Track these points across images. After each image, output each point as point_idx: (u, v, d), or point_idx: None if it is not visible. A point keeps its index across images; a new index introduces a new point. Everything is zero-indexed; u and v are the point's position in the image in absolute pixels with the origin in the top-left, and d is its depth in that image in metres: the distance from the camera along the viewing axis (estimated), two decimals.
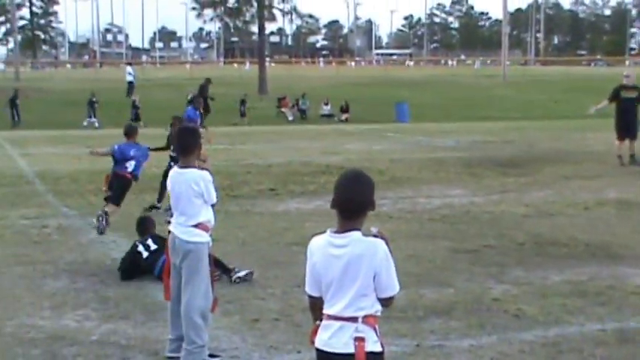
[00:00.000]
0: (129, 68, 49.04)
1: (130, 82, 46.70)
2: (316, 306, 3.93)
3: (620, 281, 8.49)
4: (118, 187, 11.62)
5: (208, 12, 58.67)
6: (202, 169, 6.29)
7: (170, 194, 6.24)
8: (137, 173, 11.76)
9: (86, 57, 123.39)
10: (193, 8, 60.62)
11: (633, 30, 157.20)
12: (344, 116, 40.81)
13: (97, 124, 36.29)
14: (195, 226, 6.05)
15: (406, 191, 15.29)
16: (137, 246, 8.92)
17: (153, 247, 8.74)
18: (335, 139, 28.12)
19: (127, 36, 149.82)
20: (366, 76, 64.70)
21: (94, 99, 38.11)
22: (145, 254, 8.73)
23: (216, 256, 8.45)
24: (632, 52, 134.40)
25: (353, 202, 3.78)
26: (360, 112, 41.21)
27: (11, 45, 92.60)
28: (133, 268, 8.80)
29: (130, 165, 11.62)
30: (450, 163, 19.69)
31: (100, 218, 11.12)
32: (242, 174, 17.60)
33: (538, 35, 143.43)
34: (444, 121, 38.34)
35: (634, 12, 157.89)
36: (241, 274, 8.54)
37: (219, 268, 8.47)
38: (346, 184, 3.83)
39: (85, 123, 36.34)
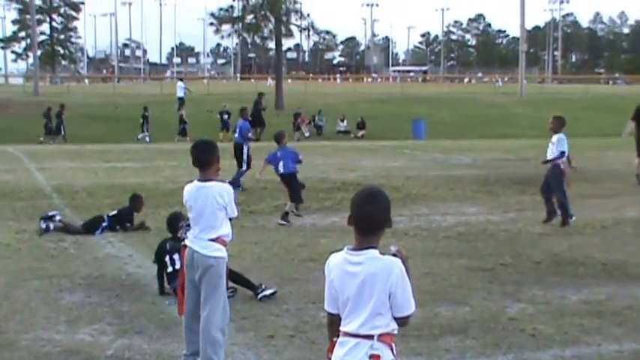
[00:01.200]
0: (181, 83, 49.41)
1: (181, 98, 47.08)
2: (334, 323, 3.92)
3: (637, 301, 8.42)
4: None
5: (226, 28, 58.56)
6: (223, 181, 6.29)
7: (189, 209, 6.22)
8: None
9: (104, 72, 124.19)
10: (211, 24, 60.64)
11: None
12: (360, 133, 40.86)
13: (147, 139, 36.51)
14: (215, 240, 6.04)
15: (422, 208, 15.26)
16: (165, 252, 8.84)
17: (177, 264, 8.57)
18: (351, 155, 28.13)
19: (145, 51, 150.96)
20: (383, 93, 64.73)
21: (147, 113, 38.14)
22: (170, 269, 8.66)
23: (239, 272, 8.48)
24: None
25: (369, 219, 3.78)
26: (377, 128, 41.26)
27: (31, 60, 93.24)
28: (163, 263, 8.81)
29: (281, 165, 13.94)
30: (466, 181, 19.64)
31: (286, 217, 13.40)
32: (258, 190, 17.61)
33: (556, 53, 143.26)
34: (461, 138, 38.29)
35: None
36: (267, 292, 8.52)
37: (243, 284, 8.49)
38: (362, 202, 3.82)
39: (139, 137, 36.60)
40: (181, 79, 52.34)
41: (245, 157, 18.21)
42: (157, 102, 46.51)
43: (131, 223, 12.82)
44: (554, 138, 13.26)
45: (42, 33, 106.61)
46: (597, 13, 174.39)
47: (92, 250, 11.35)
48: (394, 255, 3.78)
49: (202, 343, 5.98)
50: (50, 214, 12.83)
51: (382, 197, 3.86)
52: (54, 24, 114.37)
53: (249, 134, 18.83)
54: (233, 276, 8.17)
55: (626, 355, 6.73)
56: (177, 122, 38.69)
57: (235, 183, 17.47)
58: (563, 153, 13.10)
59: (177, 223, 9.08)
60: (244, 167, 18.07)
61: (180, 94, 47.74)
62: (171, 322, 7.45)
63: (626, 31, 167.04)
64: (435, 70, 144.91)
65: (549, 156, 13.32)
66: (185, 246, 6.23)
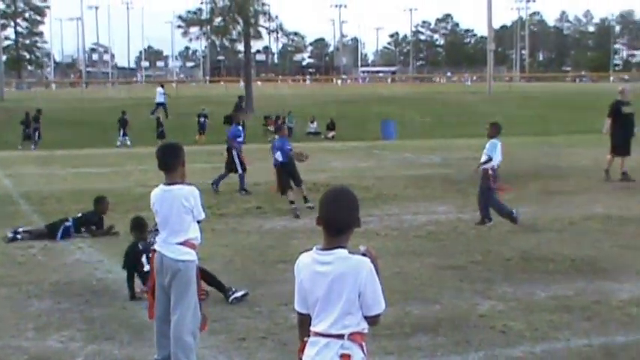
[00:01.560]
0: (161, 89, 49.18)
1: (161, 103, 46.92)
2: (304, 323, 3.92)
3: (605, 296, 8.52)
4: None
5: (194, 30, 58.39)
6: (190, 184, 6.26)
7: (156, 214, 6.19)
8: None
9: (72, 77, 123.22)
10: (179, 26, 60.46)
11: (617, 46, 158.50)
12: (330, 134, 40.84)
13: (129, 142, 36.26)
14: (183, 243, 6.02)
15: (393, 208, 15.30)
16: (139, 252, 8.76)
17: None
18: (321, 156, 28.11)
19: (112, 55, 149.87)
20: (352, 94, 64.82)
21: (126, 117, 37.93)
22: (146, 268, 8.44)
23: (212, 274, 8.46)
24: (616, 68, 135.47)
25: (336, 219, 3.79)
26: (347, 129, 41.26)
27: None
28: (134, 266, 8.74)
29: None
30: (436, 180, 19.73)
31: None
32: (229, 192, 17.55)
33: (523, 52, 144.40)
34: (430, 138, 38.41)
35: (617, 28, 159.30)
36: (238, 294, 8.51)
37: (216, 286, 8.47)
38: (329, 202, 3.83)
39: (119, 142, 36.31)
40: (162, 85, 52.11)
41: (237, 160, 18.16)
42: (127, 106, 46.10)
43: (99, 227, 12.75)
44: (488, 143, 13.36)
45: (7, 38, 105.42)
46: (563, 12, 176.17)
47: (61, 256, 11.25)
48: (363, 254, 3.79)
49: (173, 347, 5.96)
50: (16, 229, 12.63)
51: (349, 197, 3.87)
52: (19, 29, 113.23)
53: (239, 139, 18.72)
54: (206, 277, 8.17)
55: (595, 349, 6.80)
56: (155, 126, 38.47)
57: (242, 189, 17.70)
58: (490, 158, 13.19)
59: (139, 227, 9.09)
60: (240, 171, 18.03)
61: (159, 99, 47.59)
62: (142, 327, 7.41)
63: (591, 29, 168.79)
64: (404, 70, 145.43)
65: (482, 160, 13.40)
66: (154, 251, 6.20)
